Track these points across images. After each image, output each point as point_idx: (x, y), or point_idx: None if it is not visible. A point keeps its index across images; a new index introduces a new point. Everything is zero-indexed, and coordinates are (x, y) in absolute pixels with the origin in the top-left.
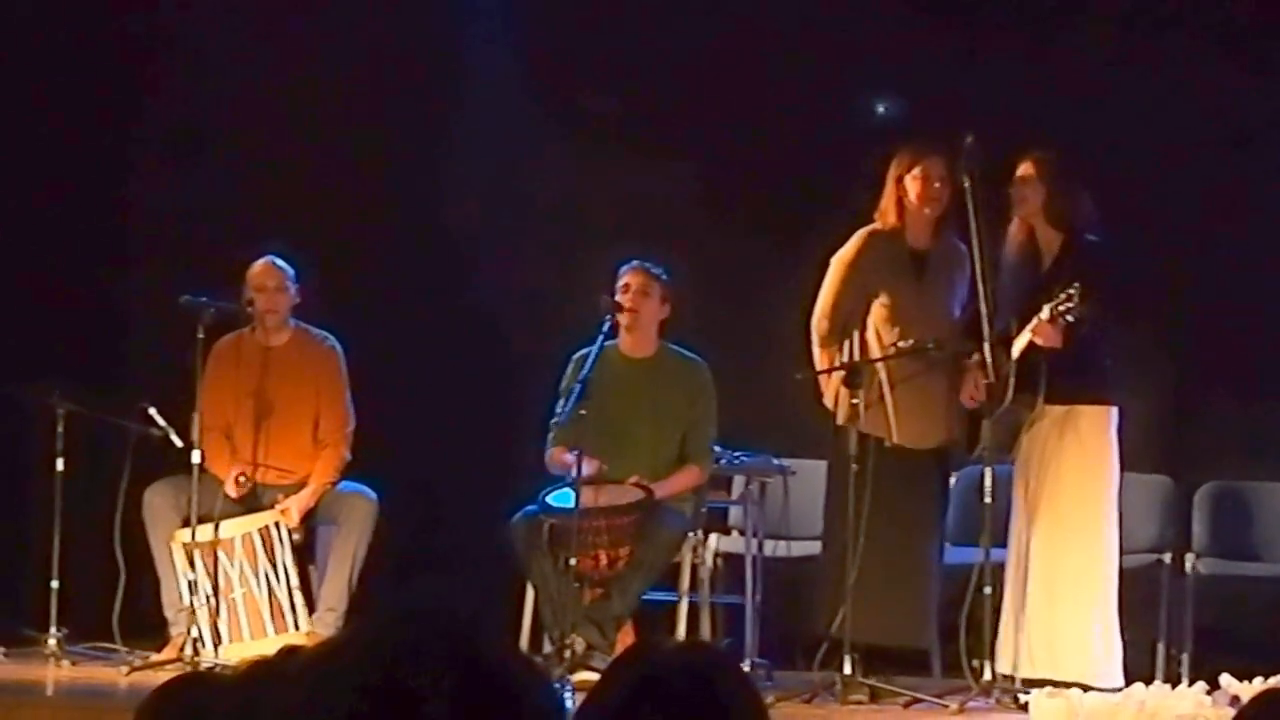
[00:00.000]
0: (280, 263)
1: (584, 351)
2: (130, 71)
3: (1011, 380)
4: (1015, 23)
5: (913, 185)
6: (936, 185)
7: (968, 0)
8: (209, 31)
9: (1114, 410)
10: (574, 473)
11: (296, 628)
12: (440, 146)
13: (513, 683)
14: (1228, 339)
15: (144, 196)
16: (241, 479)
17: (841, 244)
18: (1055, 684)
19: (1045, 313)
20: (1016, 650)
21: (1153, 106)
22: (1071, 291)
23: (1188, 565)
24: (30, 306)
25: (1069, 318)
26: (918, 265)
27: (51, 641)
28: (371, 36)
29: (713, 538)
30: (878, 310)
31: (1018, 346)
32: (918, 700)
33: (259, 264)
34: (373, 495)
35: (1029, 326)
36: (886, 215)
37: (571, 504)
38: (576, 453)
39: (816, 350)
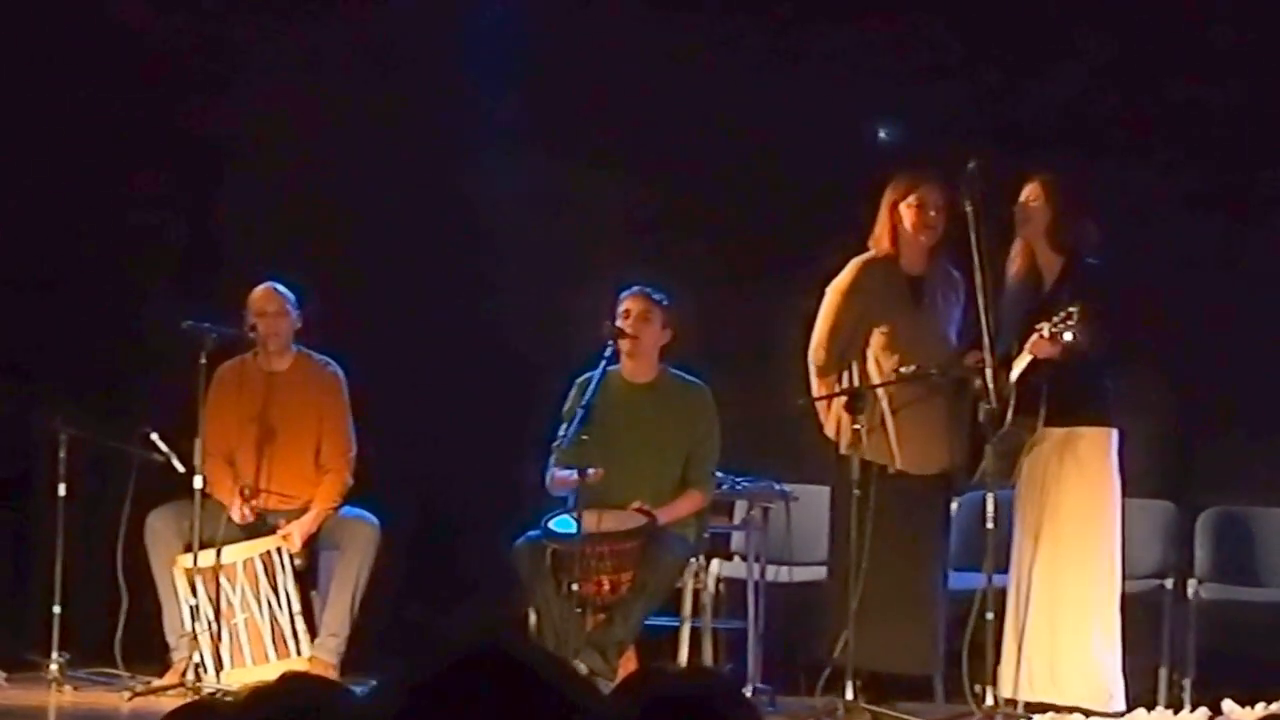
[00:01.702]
0: (281, 288)
1: (586, 376)
2: (137, 97)
3: (1011, 402)
4: (1017, 45)
5: (908, 213)
6: (932, 214)
7: (969, 24)
8: (218, 56)
9: (1114, 433)
10: (575, 487)
11: (299, 653)
12: (445, 172)
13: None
14: (1231, 364)
15: (148, 223)
16: (245, 496)
17: (841, 269)
18: (1058, 709)
19: (1045, 330)
20: (1018, 674)
21: (1152, 124)
22: (1072, 310)
23: (1190, 590)
24: (33, 331)
25: (1067, 336)
26: (914, 291)
27: (54, 666)
28: (379, 64)
29: (715, 563)
30: (876, 338)
31: (1017, 368)
32: None
33: (259, 289)
34: (375, 521)
35: (1027, 344)
36: (880, 241)
37: (574, 529)
38: (576, 469)
39: (814, 380)
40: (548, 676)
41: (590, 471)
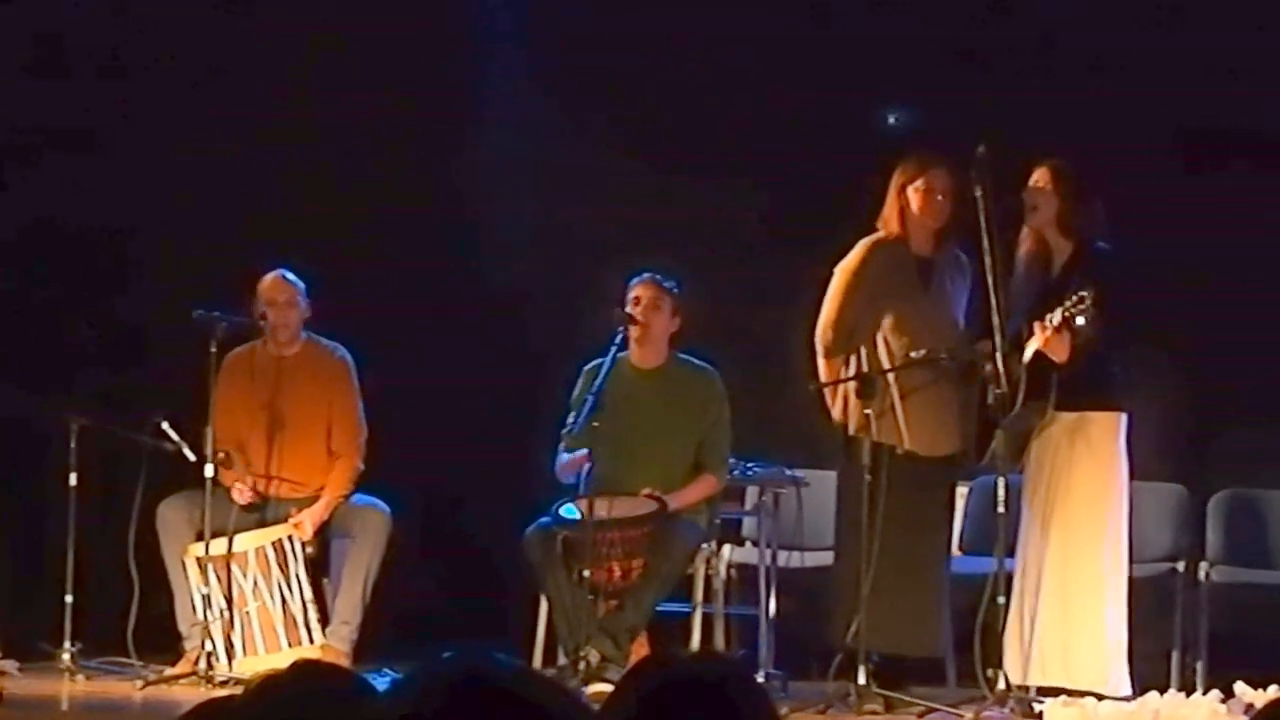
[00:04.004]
0: (291, 276)
1: (595, 363)
2: (141, 83)
3: (1022, 385)
4: (1028, 29)
5: (915, 197)
6: (939, 199)
7: (980, 10)
8: (221, 43)
9: (1124, 417)
10: (584, 469)
11: (311, 641)
12: (455, 160)
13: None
14: (1242, 347)
15: (157, 210)
16: (224, 456)
17: (849, 253)
18: (1069, 693)
19: (1056, 316)
20: (1029, 659)
21: (1162, 111)
22: (1084, 294)
23: (1202, 573)
24: (44, 321)
25: (1080, 320)
26: (923, 273)
27: (66, 656)
28: (386, 50)
29: (726, 549)
30: (886, 320)
31: (1028, 352)
32: (932, 710)
33: (269, 278)
34: (386, 508)
35: (1036, 338)
36: (889, 224)
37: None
38: (585, 452)
39: (821, 361)
40: (529, 696)
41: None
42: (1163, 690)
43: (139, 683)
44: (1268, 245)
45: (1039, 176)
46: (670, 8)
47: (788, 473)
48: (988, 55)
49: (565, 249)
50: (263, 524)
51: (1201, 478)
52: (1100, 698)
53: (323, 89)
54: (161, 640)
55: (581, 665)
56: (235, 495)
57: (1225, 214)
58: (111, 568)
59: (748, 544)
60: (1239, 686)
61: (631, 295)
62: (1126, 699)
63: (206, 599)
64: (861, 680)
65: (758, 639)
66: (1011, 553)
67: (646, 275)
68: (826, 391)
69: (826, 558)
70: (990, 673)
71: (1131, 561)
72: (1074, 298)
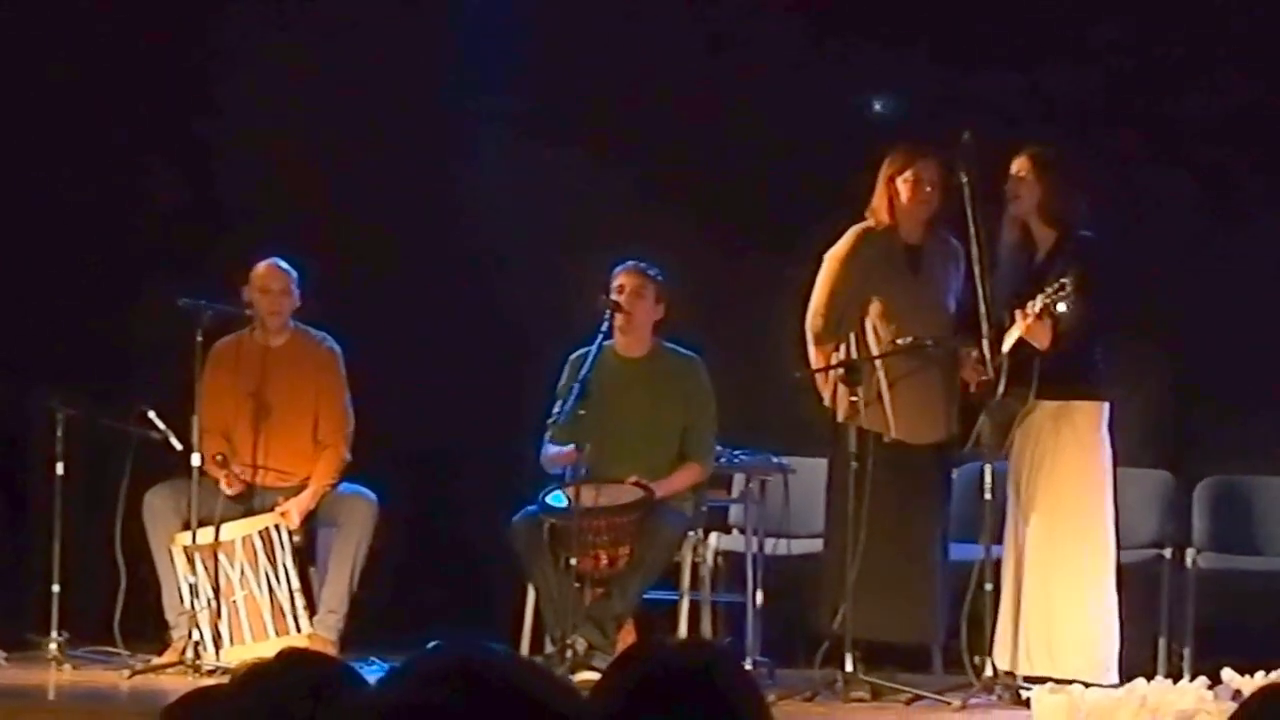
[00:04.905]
0: (284, 265)
1: (581, 352)
2: (135, 75)
3: (1004, 373)
4: (1014, 19)
5: (904, 188)
6: (928, 190)
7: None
8: (217, 37)
9: (1106, 406)
10: (570, 463)
11: (298, 630)
12: (443, 151)
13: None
14: (1226, 334)
15: (144, 200)
16: (221, 459)
17: (837, 241)
18: (1055, 680)
19: (1037, 303)
20: (1014, 647)
21: (1153, 101)
22: (1064, 281)
23: (1188, 560)
24: (30, 310)
25: (1060, 307)
26: (912, 260)
27: (53, 645)
28: (378, 45)
29: (713, 536)
30: (873, 306)
31: (1009, 340)
32: (919, 697)
33: (263, 265)
34: (373, 497)
35: (1018, 324)
36: (879, 213)
37: (569, 503)
38: (572, 447)
39: (811, 348)
40: (522, 685)
41: (586, 447)
42: (1150, 677)
43: (126, 672)
44: (1252, 233)
45: (1019, 165)
46: (658, 4)
47: (774, 460)
48: (976, 42)
49: (552, 239)
50: (249, 513)
51: (1187, 464)
52: (1086, 686)
53: (314, 83)
54: (148, 629)
55: (568, 653)
56: (224, 485)
57: (1210, 202)
58: (98, 557)
59: (734, 531)
60: (1226, 673)
61: (615, 283)
62: (1112, 686)
63: (193, 588)
64: (849, 667)
65: (744, 626)
66: (998, 540)
67: (630, 263)
68: (818, 377)
69: (813, 545)
70: (977, 660)
71: (1118, 549)
72: (1054, 284)
